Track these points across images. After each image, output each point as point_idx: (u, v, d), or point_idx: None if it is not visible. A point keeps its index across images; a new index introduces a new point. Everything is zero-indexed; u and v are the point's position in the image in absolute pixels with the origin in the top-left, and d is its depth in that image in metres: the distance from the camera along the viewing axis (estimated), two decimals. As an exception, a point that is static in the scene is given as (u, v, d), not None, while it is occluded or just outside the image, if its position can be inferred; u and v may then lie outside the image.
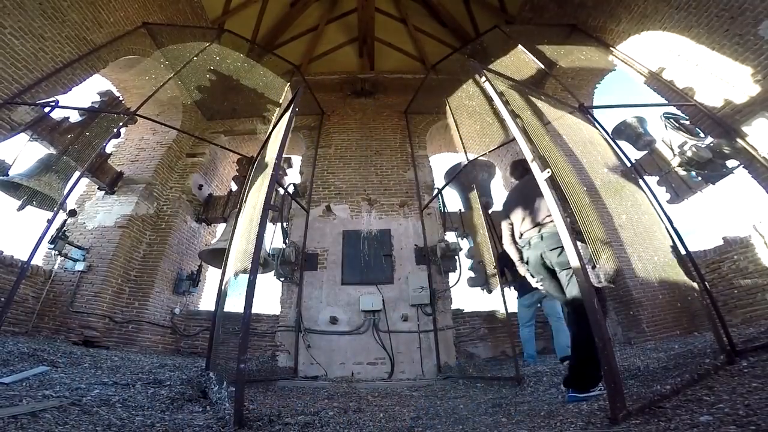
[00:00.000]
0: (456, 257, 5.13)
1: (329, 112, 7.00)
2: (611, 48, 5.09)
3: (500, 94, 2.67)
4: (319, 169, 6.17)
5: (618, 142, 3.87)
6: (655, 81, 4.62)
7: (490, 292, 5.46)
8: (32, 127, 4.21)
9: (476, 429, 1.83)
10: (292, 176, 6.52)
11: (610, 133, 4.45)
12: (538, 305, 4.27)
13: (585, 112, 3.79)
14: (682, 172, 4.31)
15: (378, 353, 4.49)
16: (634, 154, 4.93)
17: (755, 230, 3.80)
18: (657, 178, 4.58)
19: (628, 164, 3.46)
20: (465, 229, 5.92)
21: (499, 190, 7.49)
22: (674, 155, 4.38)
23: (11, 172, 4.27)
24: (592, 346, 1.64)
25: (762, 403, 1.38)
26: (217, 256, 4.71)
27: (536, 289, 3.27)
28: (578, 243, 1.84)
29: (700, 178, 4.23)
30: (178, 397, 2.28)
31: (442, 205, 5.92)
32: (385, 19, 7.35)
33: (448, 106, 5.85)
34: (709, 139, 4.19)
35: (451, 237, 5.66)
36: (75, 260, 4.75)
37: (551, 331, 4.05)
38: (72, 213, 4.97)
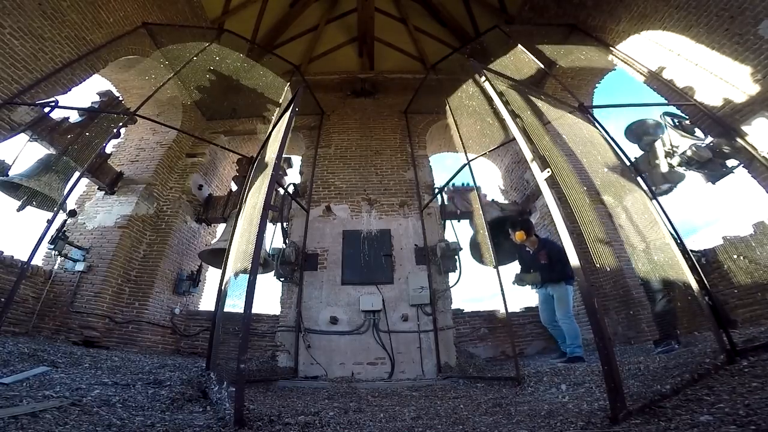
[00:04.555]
0: (456, 257, 5.12)
1: (329, 112, 7.00)
2: (611, 47, 5.08)
3: (500, 94, 2.68)
4: (319, 169, 6.16)
5: (624, 140, 3.86)
6: (655, 80, 4.61)
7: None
8: (32, 128, 4.21)
9: (476, 429, 1.83)
10: (292, 176, 6.53)
11: (626, 130, 4.55)
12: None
13: (585, 111, 3.79)
14: (663, 168, 4.29)
15: (378, 353, 4.48)
16: (635, 153, 4.88)
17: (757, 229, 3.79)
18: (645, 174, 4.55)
19: (628, 164, 3.46)
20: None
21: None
22: (668, 153, 4.35)
23: (11, 173, 4.27)
24: None
25: (762, 403, 1.38)
26: (217, 256, 4.72)
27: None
28: None
29: (682, 169, 4.23)
30: (179, 397, 2.28)
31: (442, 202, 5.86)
32: (385, 19, 7.34)
33: (448, 106, 5.84)
34: (709, 139, 4.18)
35: (450, 237, 5.63)
36: (75, 260, 4.75)
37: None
38: (72, 213, 4.97)
